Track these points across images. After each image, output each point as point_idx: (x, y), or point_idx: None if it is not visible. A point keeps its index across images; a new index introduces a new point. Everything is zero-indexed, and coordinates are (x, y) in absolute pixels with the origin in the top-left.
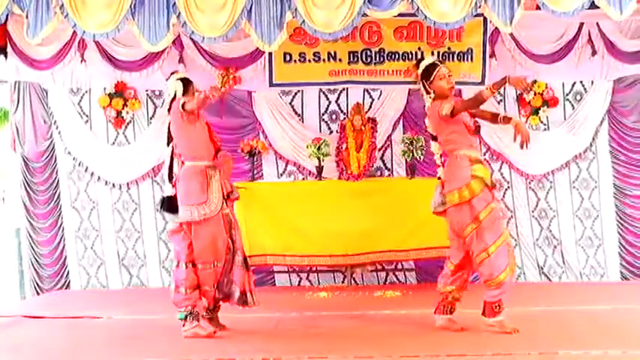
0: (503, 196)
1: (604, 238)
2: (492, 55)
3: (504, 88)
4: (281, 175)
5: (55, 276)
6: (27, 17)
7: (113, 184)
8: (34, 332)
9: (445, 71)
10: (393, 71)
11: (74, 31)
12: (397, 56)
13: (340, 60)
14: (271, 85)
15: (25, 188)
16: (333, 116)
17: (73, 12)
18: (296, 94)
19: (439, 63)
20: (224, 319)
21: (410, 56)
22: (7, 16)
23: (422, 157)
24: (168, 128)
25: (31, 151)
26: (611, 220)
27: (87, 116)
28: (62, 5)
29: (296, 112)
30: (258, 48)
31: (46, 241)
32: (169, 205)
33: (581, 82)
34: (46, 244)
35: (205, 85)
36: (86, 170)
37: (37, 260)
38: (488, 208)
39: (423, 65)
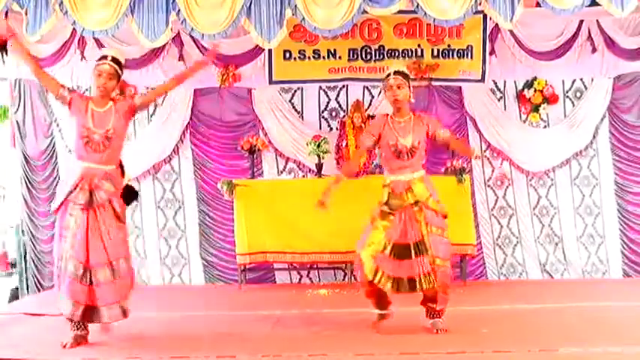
0: (504, 194)
1: (606, 235)
2: (492, 52)
3: (505, 85)
4: (281, 172)
5: None
6: (26, 14)
7: None
8: (34, 329)
9: (392, 82)
10: None
11: (74, 29)
12: (397, 53)
13: (340, 57)
14: (271, 82)
15: (27, 186)
16: (333, 113)
17: (72, 9)
18: (296, 91)
19: (393, 72)
20: (224, 316)
21: (410, 53)
22: (6, 13)
23: None
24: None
25: (32, 149)
26: (612, 217)
27: None
28: (61, 2)
29: (296, 110)
30: (257, 45)
31: (47, 238)
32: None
33: (581, 79)
34: (47, 242)
35: (205, 82)
36: None
37: (38, 258)
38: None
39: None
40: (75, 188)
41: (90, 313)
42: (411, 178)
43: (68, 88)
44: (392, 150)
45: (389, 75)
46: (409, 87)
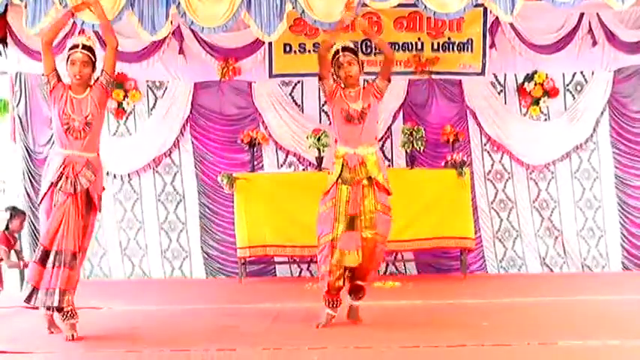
0: (504, 187)
1: (606, 228)
2: (492, 45)
3: (505, 79)
4: (281, 165)
5: None
6: (26, 7)
7: (114, 175)
8: (33, 323)
9: (343, 59)
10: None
11: (74, 22)
12: (397, 47)
13: None
14: (271, 75)
15: (29, 179)
16: None
17: (71, 2)
18: (296, 84)
19: (341, 49)
20: (224, 309)
21: (410, 47)
22: (6, 6)
23: (422, 148)
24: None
25: (33, 143)
26: (612, 210)
27: None
28: None
29: (296, 103)
30: (257, 39)
31: None
32: None
33: (581, 72)
34: None
35: (205, 75)
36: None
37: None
38: (322, 207)
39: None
40: (60, 176)
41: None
42: (365, 153)
43: (58, 76)
44: (343, 115)
45: (337, 52)
46: (359, 62)
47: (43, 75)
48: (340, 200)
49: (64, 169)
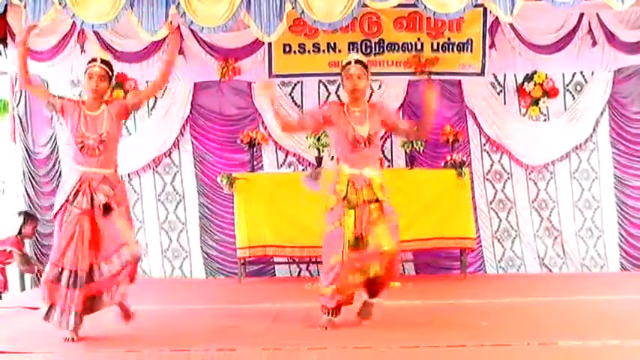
0: (504, 187)
1: (604, 229)
2: (492, 45)
3: (505, 79)
4: (281, 165)
5: None
6: (25, 7)
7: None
8: (33, 323)
9: (354, 71)
10: (392, 62)
11: (73, 22)
12: (397, 47)
13: (340, 51)
14: (271, 76)
15: (29, 179)
16: None
17: (71, 2)
18: (296, 85)
19: (354, 61)
20: (224, 309)
21: (410, 47)
22: (5, 6)
23: (421, 149)
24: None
25: (33, 143)
26: (611, 210)
27: None
28: None
29: (296, 103)
30: (257, 39)
31: (49, 232)
32: None
33: (581, 72)
34: (50, 236)
35: (205, 75)
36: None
37: (40, 251)
38: (330, 227)
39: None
40: (76, 193)
41: (89, 306)
42: (371, 175)
43: (57, 96)
44: (349, 140)
45: (349, 63)
46: (367, 77)
47: (45, 106)
48: (346, 223)
49: (80, 185)
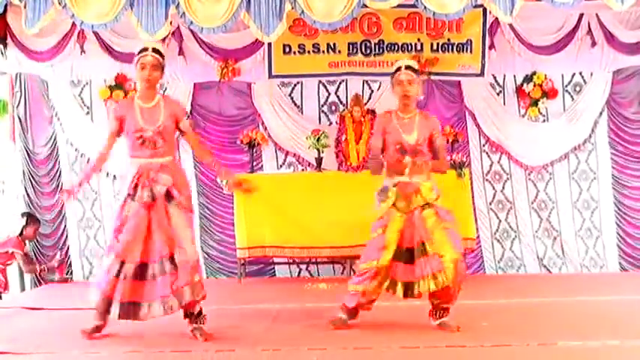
0: (503, 188)
1: (602, 229)
2: (492, 46)
3: (504, 79)
4: (280, 166)
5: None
6: (25, 7)
7: (114, 176)
8: (33, 323)
9: (404, 77)
10: (392, 62)
11: (73, 23)
12: (396, 47)
13: (339, 51)
14: (270, 76)
15: (29, 180)
16: (333, 108)
17: (71, 2)
18: (295, 85)
19: (404, 67)
20: (223, 310)
21: (409, 47)
22: (5, 6)
23: None
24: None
25: (34, 143)
26: (609, 211)
27: (88, 108)
28: None
29: (295, 104)
30: (257, 39)
31: (49, 232)
32: None
33: (580, 73)
34: (50, 236)
35: (205, 76)
36: (88, 161)
37: (40, 251)
38: (373, 234)
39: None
40: (135, 186)
41: (130, 310)
42: (419, 180)
43: (113, 119)
44: (396, 147)
45: (399, 69)
46: (419, 83)
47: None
48: (391, 229)
49: (138, 178)
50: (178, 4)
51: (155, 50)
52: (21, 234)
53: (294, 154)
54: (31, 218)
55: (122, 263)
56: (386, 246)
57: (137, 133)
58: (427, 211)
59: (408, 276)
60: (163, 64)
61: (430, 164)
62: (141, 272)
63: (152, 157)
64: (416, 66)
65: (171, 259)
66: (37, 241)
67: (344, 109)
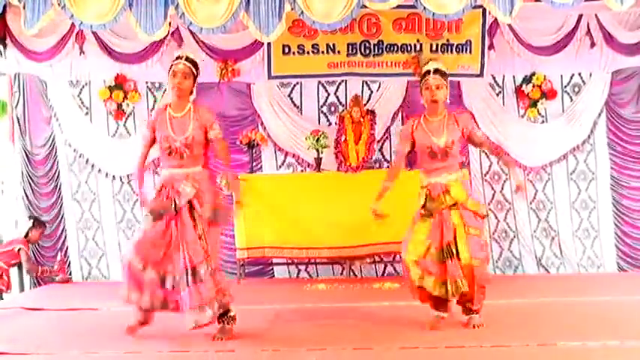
0: (502, 188)
1: (600, 229)
2: (491, 46)
3: (503, 80)
4: (280, 166)
5: None
6: (24, 8)
7: (114, 176)
8: (32, 324)
9: (432, 82)
10: (391, 63)
11: (72, 23)
12: (396, 48)
13: (339, 52)
14: (270, 77)
15: (28, 181)
16: (332, 108)
17: (70, 2)
18: (295, 86)
19: (432, 71)
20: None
21: (409, 48)
22: (4, 6)
23: None
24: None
25: (32, 144)
26: (607, 211)
27: (87, 108)
28: None
29: (295, 104)
30: (256, 40)
31: (48, 233)
32: None
33: (579, 74)
34: (49, 237)
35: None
36: (87, 162)
37: (39, 252)
38: (407, 232)
39: (423, 69)
40: (158, 197)
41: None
42: (448, 180)
43: (148, 128)
44: (427, 151)
45: (428, 73)
46: (447, 86)
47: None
48: (418, 229)
49: (161, 188)
50: (177, 4)
51: (188, 59)
52: (26, 236)
53: (294, 155)
54: (38, 222)
55: (143, 270)
56: (413, 248)
57: (166, 142)
58: (454, 211)
59: (446, 275)
60: (196, 74)
61: (503, 158)
62: (162, 283)
63: (178, 168)
64: (445, 69)
65: (194, 270)
66: (37, 242)
67: (343, 110)
